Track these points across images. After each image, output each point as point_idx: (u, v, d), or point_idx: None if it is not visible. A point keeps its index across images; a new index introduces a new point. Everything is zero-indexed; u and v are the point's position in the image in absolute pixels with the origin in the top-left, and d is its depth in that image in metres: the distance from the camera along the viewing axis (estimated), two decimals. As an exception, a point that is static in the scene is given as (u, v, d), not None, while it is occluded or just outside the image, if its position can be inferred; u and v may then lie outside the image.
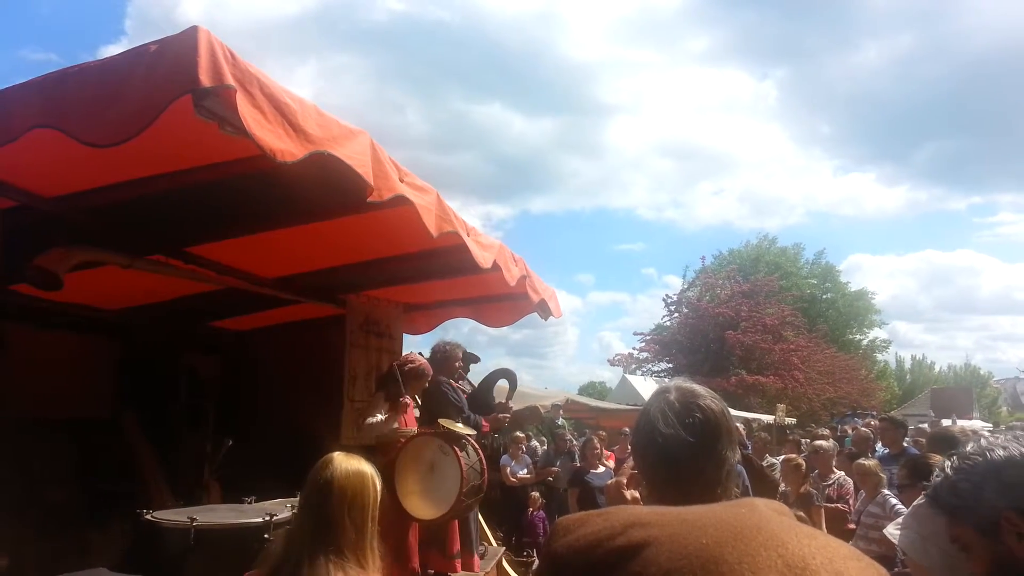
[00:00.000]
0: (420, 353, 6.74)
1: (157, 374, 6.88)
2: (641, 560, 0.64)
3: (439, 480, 5.31)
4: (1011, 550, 1.51)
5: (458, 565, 5.84)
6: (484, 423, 6.08)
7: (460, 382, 6.67)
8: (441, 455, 5.35)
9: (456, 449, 5.30)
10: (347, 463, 2.44)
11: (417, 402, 6.26)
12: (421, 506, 5.30)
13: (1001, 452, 1.58)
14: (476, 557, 6.14)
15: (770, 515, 0.73)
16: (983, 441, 1.66)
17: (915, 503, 2.26)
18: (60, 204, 4.16)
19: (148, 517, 4.03)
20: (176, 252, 5.11)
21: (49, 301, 5.33)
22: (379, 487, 2.48)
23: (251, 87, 2.70)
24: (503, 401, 6.60)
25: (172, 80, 2.54)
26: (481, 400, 6.53)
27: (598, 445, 9.31)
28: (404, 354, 6.42)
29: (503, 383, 7.08)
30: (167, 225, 4.81)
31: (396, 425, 5.47)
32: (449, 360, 6.25)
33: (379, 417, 5.35)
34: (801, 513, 5.63)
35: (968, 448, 1.67)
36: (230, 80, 2.56)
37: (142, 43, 2.75)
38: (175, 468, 6.59)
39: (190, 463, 6.81)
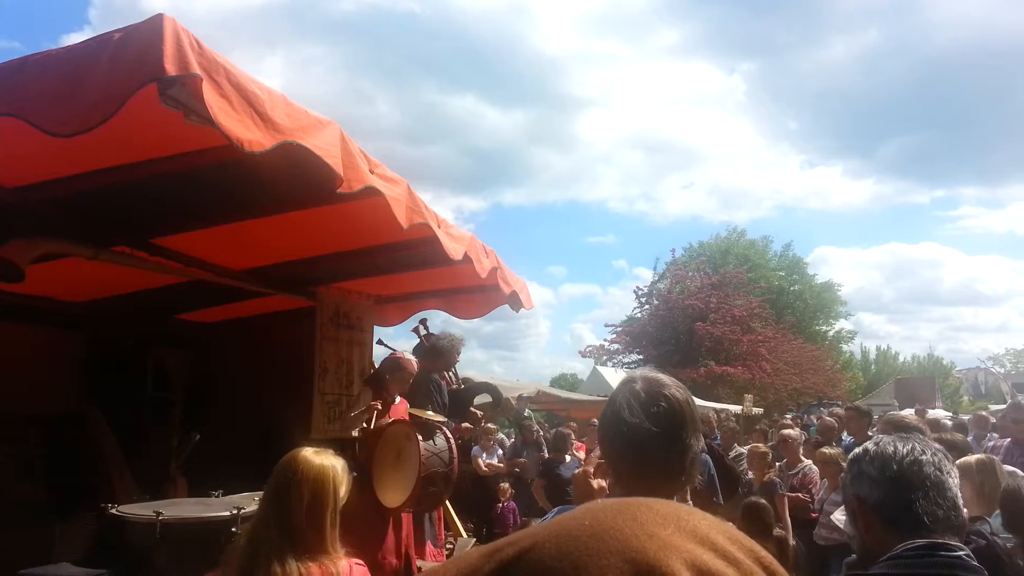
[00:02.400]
0: (424, 323, 6.65)
1: (123, 368, 6.78)
2: (524, 562, 0.65)
3: (404, 468, 5.31)
4: (859, 534, 1.72)
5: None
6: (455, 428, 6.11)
7: (449, 377, 6.69)
8: (406, 442, 5.36)
9: (418, 436, 5.31)
10: (312, 460, 2.43)
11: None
12: (390, 495, 5.29)
13: (857, 450, 1.80)
14: (426, 546, 6.13)
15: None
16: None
17: None
18: (22, 194, 4.08)
19: (113, 511, 3.99)
20: (142, 244, 5.03)
21: (11, 294, 5.23)
22: (344, 483, 2.46)
23: (217, 76, 2.66)
24: (477, 412, 6.62)
25: (137, 68, 2.50)
26: (459, 405, 6.53)
27: (571, 438, 9.38)
28: (393, 353, 6.40)
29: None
30: (132, 216, 4.73)
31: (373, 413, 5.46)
32: (451, 353, 6.26)
33: (357, 411, 5.34)
34: (763, 500, 5.73)
35: None
36: (196, 69, 2.53)
37: (106, 31, 2.70)
38: (141, 463, 6.51)
39: (156, 457, 6.73)
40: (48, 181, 4.03)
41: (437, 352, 6.01)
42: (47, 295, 5.95)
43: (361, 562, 2.39)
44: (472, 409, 6.56)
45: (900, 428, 4.97)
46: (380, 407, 5.47)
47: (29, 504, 5.47)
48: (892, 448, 1.70)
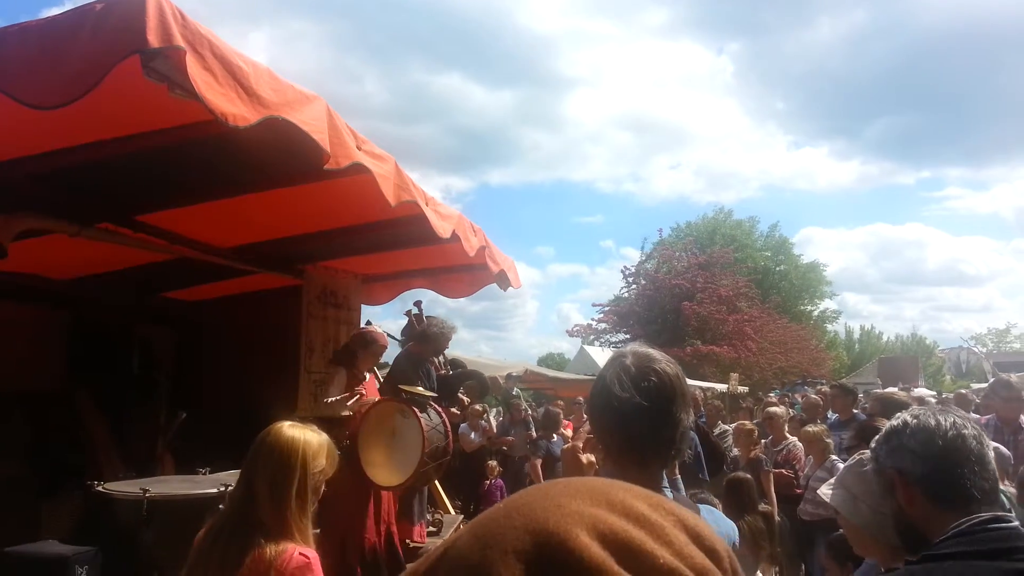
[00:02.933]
0: (419, 304, 6.66)
1: (109, 345, 6.74)
2: (446, 556, 0.65)
3: (401, 445, 5.31)
4: (900, 505, 1.69)
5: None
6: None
7: (439, 362, 6.68)
8: (401, 419, 5.35)
9: (416, 411, 5.31)
10: (281, 433, 2.36)
11: (377, 375, 6.25)
12: (386, 474, 5.30)
13: (894, 422, 1.76)
14: (418, 527, 6.15)
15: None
16: (896, 415, 1.82)
17: (847, 463, 2.37)
18: (3, 169, 4.01)
19: (100, 489, 3.98)
20: (126, 220, 4.97)
21: (-7, 270, 5.18)
22: (319, 458, 2.38)
23: (202, 49, 2.62)
24: (463, 398, 6.63)
25: (119, 40, 2.45)
26: (446, 392, 6.54)
27: (560, 416, 9.45)
28: (362, 327, 6.39)
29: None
30: (116, 192, 4.68)
31: (358, 396, 5.45)
32: (441, 339, 6.24)
33: (333, 398, 5.31)
34: (747, 475, 5.79)
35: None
36: (179, 41, 2.49)
37: (86, 2, 2.65)
38: (127, 441, 6.49)
39: (143, 435, 6.71)
40: (30, 156, 3.96)
41: (427, 338, 6.01)
42: (31, 272, 5.88)
43: (308, 553, 2.25)
44: (459, 395, 6.57)
45: (890, 405, 5.04)
46: (364, 391, 5.45)
47: (15, 482, 5.44)
48: (934, 421, 1.67)
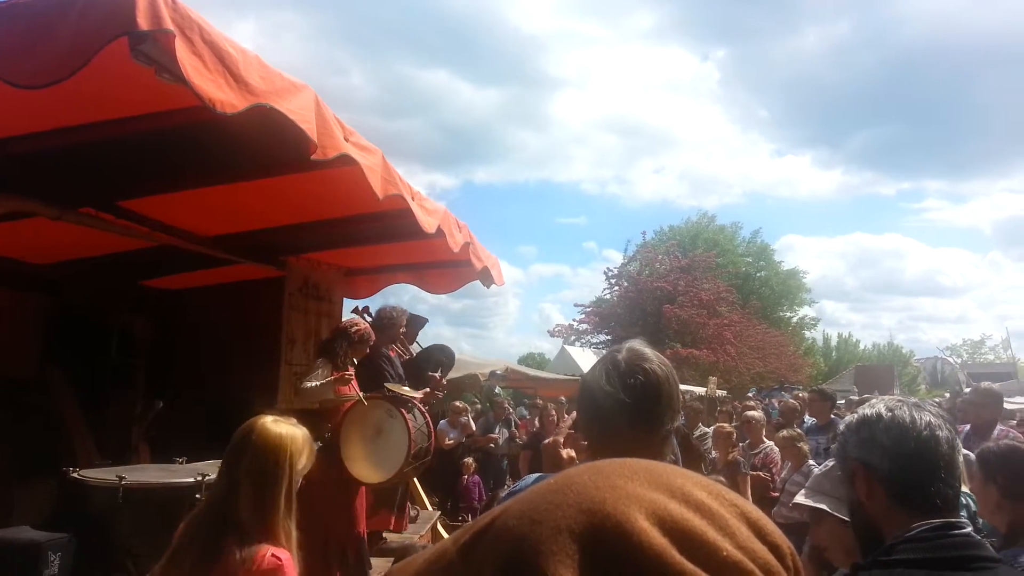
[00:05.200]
0: (366, 310, 6.68)
1: (86, 332, 6.66)
2: (491, 529, 0.63)
3: (386, 444, 5.31)
4: (859, 497, 1.64)
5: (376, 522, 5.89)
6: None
7: (400, 348, 6.66)
8: (388, 419, 5.35)
9: (404, 412, 5.32)
10: (268, 429, 2.33)
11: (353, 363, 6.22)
12: (367, 470, 5.30)
13: (867, 411, 1.70)
14: (397, 516, 6.16)
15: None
16: (870, 402, 1.77)
17: (822, 468, 2.36)
18: (-16, 150, 3.97)
19: (75, 475, 3.94)
20: (108, 206, 4.92)
21: (-29, 253, 5.11)
22: (303, 454, 2.37)
23: (191, 33, 2.61)
24: (435, 375, 6.61)
25: (107, 21, 2.43)
26: (416, 372, 6.54)
27: (553, 412, 9.50)
28: (347, 319, 6.36)
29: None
30: (99, 177, 4.63)
31: (336, 389, 5.43)
32: (394, 327, 6.23)
33: (316, 383, 5.29)
34: (721, 478, 5.83)
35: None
36: (169, 24, 2.47)
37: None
38: (103, 429, 6.42)
39: (119, 424, 6.65)
40: (13, 137, 3.91)
41: (379, 328, 5.99)
42: (10, 256, 5.81)
43: (281, 555, 2.21)
44: (430, 374, 6.55)
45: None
46: (351, 373, 5.42)
47: (-13, 467, 5.38)
48: (909, 418, 1.62)
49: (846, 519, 2.07)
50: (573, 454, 2.13)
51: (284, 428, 2.36)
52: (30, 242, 5.50)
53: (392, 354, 6.30)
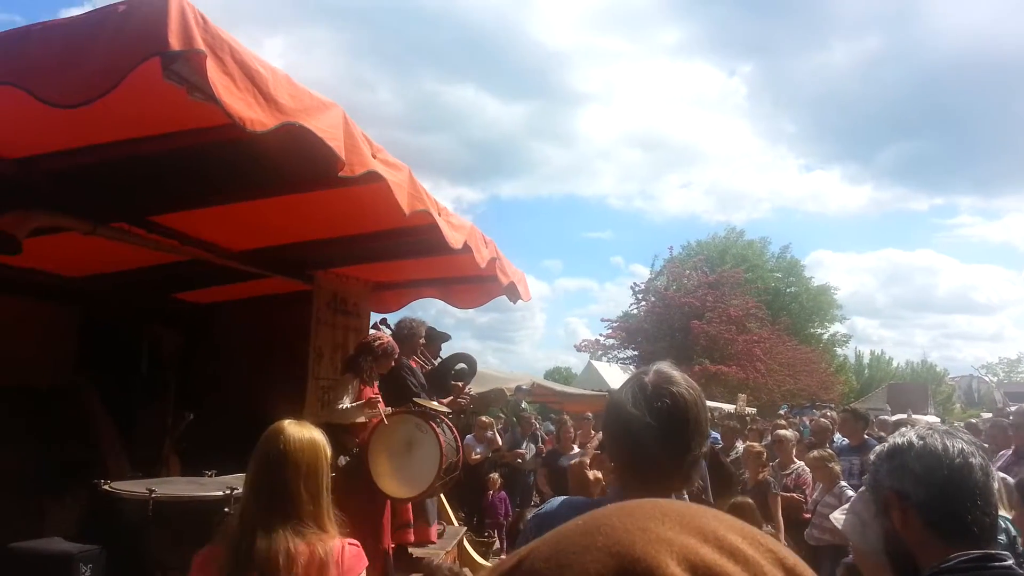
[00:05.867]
0: (386, 322, 6.72)
1: (118, 344, 6.76)
2: (519, 570, 0.61)
3: (416, 458, 5.31)
4: (894, 527, 1.62)
5: (411, 534, 5.86)
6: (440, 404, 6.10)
7: (421, 359, 6.68)
8: (419, 433, 5.35)
9: (434, 426, 5.32)
10: (299, 432, 2.39)
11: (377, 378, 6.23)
12: (396, 485, 5.30)
13: (898, 440, 1.68)
14: (433, 527, 6.16)
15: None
16: (900, 431, 1.76)
17: (861, 489, 2.32)
18: (22, 166, 4.04)
19: (106, 488, 3.98)
20: (140, 220, 4.99)
21: (8, 266, 5.20)
22: (330, 454, 2.44)
23: (222, 53, 2.64)
24: (459, 384, 6.60)
25: (140, 41, 2.48)
26: (438, 382, 6.54)
27: (572, 429, 9.45)
28: (371, 333, 6.38)
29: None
30: (131, 192, 4.70)
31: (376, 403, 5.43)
32: (414, 337, 6.25)
33: (347, 403, 5.29)
34: (749, 500, 5.73)
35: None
36: (200, 45, 2.51)
37: (109, 3, 2.67)
38: (134, 440, 6.50)
39: (150, 436, 6.72)
40: (48, 153, 4.00)
41: (400, 339, 6.02)
42: (44, 268, 5.92)
43: (356, 542, 2.33)
44: (453, 383, 6.54)
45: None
46: (379, 397, 5.42)
47: (21, 478, 5.45)
48: (941, 446, 1.60)
49: (861, 544, 2.04)
50: (600, 475, 2.10)
51: (311, 431, 2.44)
52: (64, 256, 5.60)
53: (414, 364, 6.32)
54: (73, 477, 5.28)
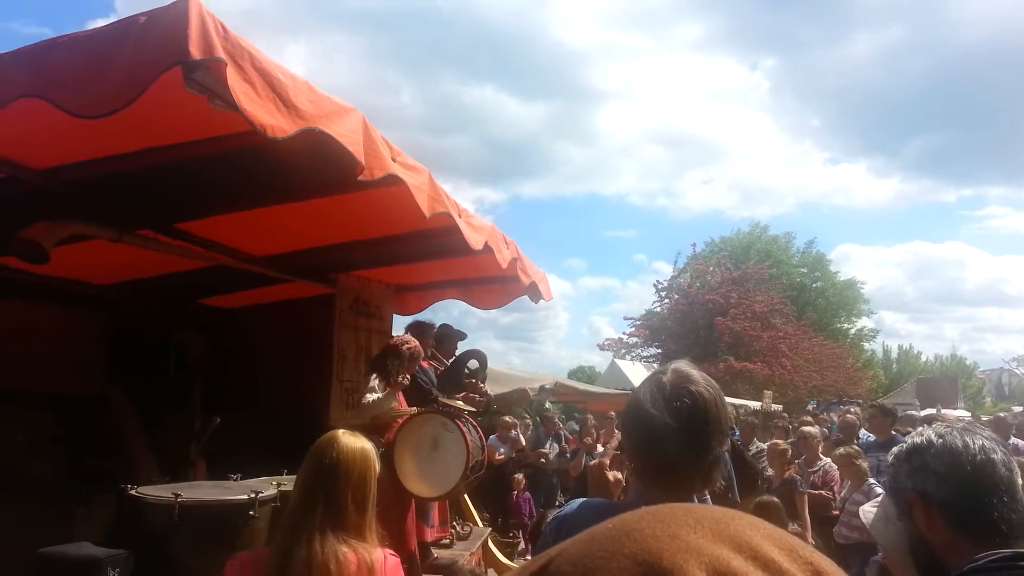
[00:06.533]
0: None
1: (145, 350, 6.85)
2: (547, 572, 0.60)
3: (442, 458, 5.33)
4: (919, 530, 1.58)
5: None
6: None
7: (433, 360, 6.71)
8: (445, 432, 5.37)
9: (460, 425, 5.33)
10: (352, 442, 2.45)
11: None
12: (423, 485, 5.32)
13: (916, 439, 1.64)
14: (434, 528, 6.16)
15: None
16: (917, 430, 1.72)
17: None
18: (48, 176, 4.11)
19: (133, 492, 4.02)
20: (165, 228, 5.06)
21: (37, 274, 5.29)
22: (379, 466, 2.50)
23: (242, 61, 2.66)
24: (473, 381, 6.61)
25: (161, 51, 2.50)
26: (452, 381, 6.56)
27: (593, 429, 9.44)
28: (397, 336, 6.42)
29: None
30: (156, 200, 4.76)
31: (395, 404, 5.47)
32: (422, 339, 6.30)
33: (376, 396, 5.33)
34: (775, 499, 5.68)
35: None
36: (221, 53, 2.53)
37: (131, 14, 2.71)
38: (162, 444, 6.57)
39: (177, 440, 6.79)
40: (74, 163, 4.06)
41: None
42: (72, 277, 6.01)
43: (395, 553, 2.39)
44: (467, 381, 6.56)
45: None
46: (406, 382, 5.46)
47: (51, 483, 5.54)
48: (961, 443, 1.56)
49: (882, 540, 2.01)
50: (619, 476, 2.10)
51: (363, 441, 2.50)
52: (91, 264, 5.68)
53: (426, 364, 6.35)
54: (102, 482, 5.35)
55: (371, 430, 5.32)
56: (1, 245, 4.08)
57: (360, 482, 2.38)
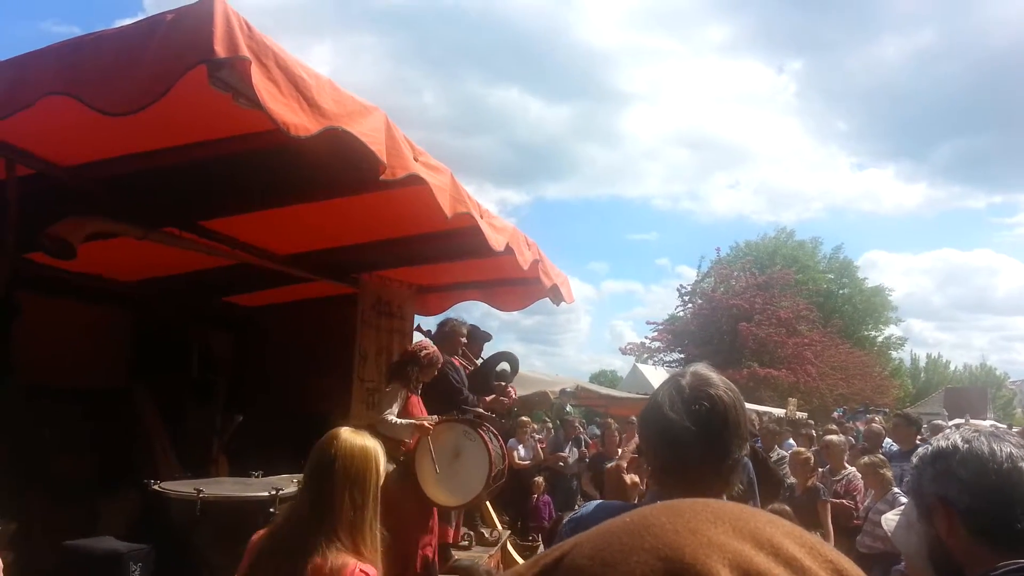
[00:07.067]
0: (429, 333, 6.78)
1: (170, 347, 6.92)
2: (562, 564, 0.58)
3: (463, 466, 5.32)
4: (939, 534, 1.54)
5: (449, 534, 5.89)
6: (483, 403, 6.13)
7: (464, 359, 6.71)
8: (467, 441, 5.36)
9: (482, 434, 5.32)
10: (352, 439, 2.40)
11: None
12: (444, 493, 5.31)
13: (942, 443, 1.60)
14: (455, 528, 6.16)
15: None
16: (943, 433, 1.68)
17: None
18: (76, 173, 4.18)
19: (156, 488, 4.07)
20: (190, 225, 5.12)
21: (64, 270, 5.36)
22: (383, 465, 2.44)
23: (266, 60, 2.68)
24: (502, 384, 6.59)
25: (187, 50, 2.53)
26: (480, 381, 6.55)
27: (616, 433, 9.39)
28: (416, 342, 6.42)
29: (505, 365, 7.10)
30: (181, 198, 4.81)
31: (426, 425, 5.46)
32: (455, 336, 6.30)
33: (396, 418, 5.31)
34: (787, 507, 5.60)
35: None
36: (245, 52, 2.55)
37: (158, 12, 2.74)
38: (185, 441, 6.64)
39: (200, 437, 6.86)
40: (101, 161, 4.12)
41: (441, 338, 6.09)
42: (98, 273, 6.09)
43: (368, 570, 2.24)
44: (496, 383, 6.55)
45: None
46: (429, 423, 5.43)
47: (74, 478, 5.61)
48: (988, 449, 1.52)
49: (901, 547, 1.96)
50: (637, 479, 2.07)
51: (366, 439, 2.44)
52: (116, 260, 5.75)
53: (457, 363, 6.35)
54: (125, 477, 5.42)
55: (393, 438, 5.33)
56: (30, 241, 4.15)
57: (359, 480, 2.32)
